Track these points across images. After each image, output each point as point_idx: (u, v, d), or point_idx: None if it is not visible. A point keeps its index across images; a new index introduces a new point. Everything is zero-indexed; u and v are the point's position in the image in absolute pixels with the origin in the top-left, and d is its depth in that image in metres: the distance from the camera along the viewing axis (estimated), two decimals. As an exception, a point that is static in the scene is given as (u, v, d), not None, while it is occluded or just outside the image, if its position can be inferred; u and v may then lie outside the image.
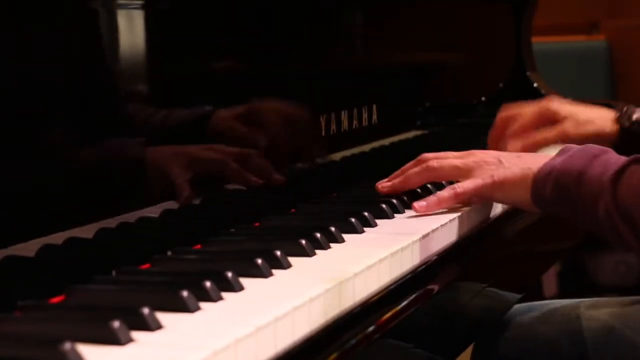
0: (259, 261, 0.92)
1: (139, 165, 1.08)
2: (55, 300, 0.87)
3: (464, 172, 1.21)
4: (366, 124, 1.52)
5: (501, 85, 2.11)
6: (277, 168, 1.27)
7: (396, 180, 1.25)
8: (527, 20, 2.15)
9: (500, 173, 1.18)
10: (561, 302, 1.37)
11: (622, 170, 1.07)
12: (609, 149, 1.13)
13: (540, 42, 2.42)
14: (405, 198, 1.24)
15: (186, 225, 1.12)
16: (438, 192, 1.20)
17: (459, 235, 1.18)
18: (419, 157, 1.26)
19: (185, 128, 1.16)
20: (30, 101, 0.95)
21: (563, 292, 3.23)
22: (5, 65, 0.92)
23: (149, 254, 1.00)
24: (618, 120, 1.47)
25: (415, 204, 1.19)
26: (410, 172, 1.24)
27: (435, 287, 1.05)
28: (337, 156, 1.46)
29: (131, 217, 1.05)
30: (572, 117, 1.46)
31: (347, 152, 1.48)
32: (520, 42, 2.13)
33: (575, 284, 3.33)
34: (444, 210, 1.20)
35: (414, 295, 1.00)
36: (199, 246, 1.07)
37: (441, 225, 1.14)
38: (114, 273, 0.95)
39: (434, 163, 1.23)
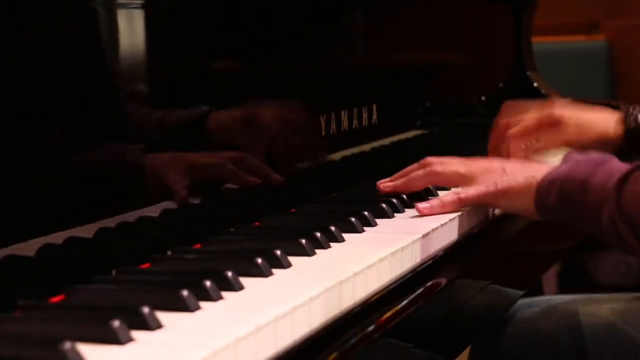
0: (259, 261, 0.92)
1: (139, 164, 1.08)
2: (55, 299, 0.87)
3: (467, 180, 1.21)
4: (366, 123, 1.52)
5: (501, 85, 2.11)
6: (277, 168, 1.27)
7: (398, 182, 1.26)
8: (527, 20, 2.15)
9: (504, 181, 1.18)
10: (561, 298, 1.37)
11: (625, 177, 1.07)
12: (612, 157, 1.13)
13: (540, 42, 2.42)
14: (405, 197, 1.24)
15: (186, 224, 1.12)
16: (441, 196, 1.21)
17: (459, 234, 1.19)
18: (423, 161, 1.26)
19: (186, 128, 1.16)
20: (31, 101, 0.95)
21: (563, 292, 3.23)
22: (5, 65, 0.92)
23: (148, 254, 1.00)
24: (623, 121, 1.47)
25: (419, 205, 1.19)
26: (414, 175, 1.25)
27: (435, 287, 1.05)
28: (337, 156, 1.46)
29: (131, 216, 1.05)
30: (574, 123, 1.46)
31: (347, 152, 1.48)
32: (520, 42, 2.13)
33: (575, 284, 3.33)
34: (445, 211, 1.20)
35: (414, 295, 1.00)
36: (199, 246, 1.07)
37: (441, 225, 1.14)
38: (114, 273, 0.96)
39: (437, 168, 1.23)
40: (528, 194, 1.15)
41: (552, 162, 1.23)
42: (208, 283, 0.84)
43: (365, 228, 1.13)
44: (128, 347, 0.73)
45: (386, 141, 1.63)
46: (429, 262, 1.09)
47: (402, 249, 1.03)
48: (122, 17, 1.06)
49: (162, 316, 0.78)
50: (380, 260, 0.98)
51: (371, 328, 0.91)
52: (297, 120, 1.35)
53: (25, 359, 0.72)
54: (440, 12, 1.87)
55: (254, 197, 1.23)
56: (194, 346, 0.73)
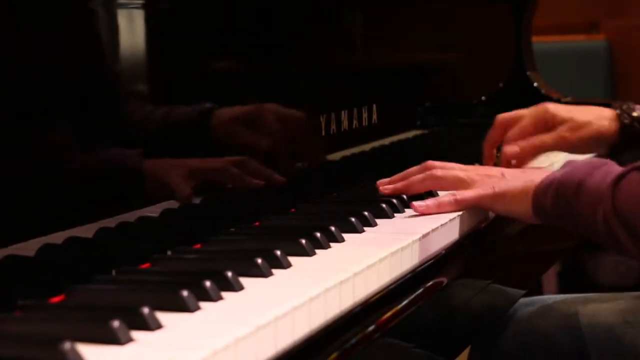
0: (259, 261, 0.92)
1: (139, 164, 1.08)
2: (55, 300, 0.87)
3: (467, 184, 1.22)
4: (366, 123, 1.52)
5: (501, 85, 2.11)
6: (278, 169, 1.27)
7: (399, 185, 1.26)
8: (527, 20, 2.15)
9: (502, 185, 1.19)
10: (560, 298, 1.37)
11: (621, 177, 1.07)
12: (611, 161, 1.13)
13: (540, 42, 2.41)
14: (405, 198, 1.24)
15: (186, 224, 1.12)
16: (438, 197, 1.21)
17: (459, 234, 1.19)
18: (425, 164, 1.26)
19: (186, 128, 1.16)
20: (31, 101, 0.95)
21: (563, 292, 3.23)
22: (5, 65, 0.92)
23: (148, 254, 1.00)
24: (618, 118, 1.47)
25: (416, 204, 1.19)
26: (414, 179, 1.25)
27: (435, 287, 1.05)
28: (337, 156, 1.46)
29: (131, 216, 1.05)
30: (569, 120, 1.46)
31: (347, 152, 1.48)
32: (520, 42, 2.13)
33: (575, 284, 3.33)
34: (443, 212, 1.20)
35: (414, 295, 1.00)
36: (198, 246, 1.07)
37: (441, 225, 1.14)
38: (114, 273, 0.96)
39: (438, 172, 1.24)
40: (526, 198, 1.16)
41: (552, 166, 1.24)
42: (208, 283, 0.84)
43: (365, 228, 1.13)
44: (128, 347, 0.73)
45: (386, 141, 1.63)
46: (429, 262, 1.10)
47: (402, 249, 1.04)
48: (122, 17, 1.06)
49: (162, 316, 0.78)
50: (380, 260, 0.98)
51: (371, 328, 0.91)
52: (297, 122, 1.35)
53: (25, 359, 0.72)
54: (440, 12, 1.87)
55: (253, 197, 1.23)
56: (193, 346, 0.73)
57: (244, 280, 0.89)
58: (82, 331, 0.74)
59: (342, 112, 1.44)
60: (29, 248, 0.92)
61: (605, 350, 1.27)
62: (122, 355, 0.72)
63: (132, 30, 1.08)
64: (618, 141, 1.46)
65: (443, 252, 1.14)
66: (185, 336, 0.76)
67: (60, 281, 0.89)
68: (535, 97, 2.02)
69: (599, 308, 1.30)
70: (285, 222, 1.20)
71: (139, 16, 1.09)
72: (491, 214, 1.28)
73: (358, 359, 0.87)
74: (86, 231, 0.99)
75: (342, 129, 1.44)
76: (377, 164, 1.51)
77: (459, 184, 1.23)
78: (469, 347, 1.40)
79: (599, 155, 1.54)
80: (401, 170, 1.30)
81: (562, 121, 1.47)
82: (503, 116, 1.50)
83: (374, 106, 1.54)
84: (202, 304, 0.82)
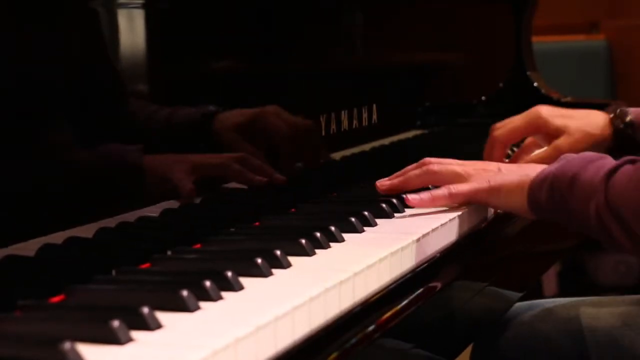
0: (259, 261, 0.92)
1: (139, 164, 1.08)
2: (55, 299, 0.87)
3: (463, 179, 1.22)
4: (366, 123, 1.52)
5: (501, 85, 2.11)
6: (278, 169, 1.27)
7: (395, 181, 1.26)
8: (527, 20, 2.15)
9: (497, 179, 1.18)
10: (561, 301, 1.37)
11: (614, 171, 1.07)
12: (606, 155, 1.13)
13: (540, 42, 2.42)
14: (405, 197, 1.24)
15: (186, 224, 1.12)
16: (433, 190, 1.21)
17: (459, 234, 1.19)
18: (422, 160, 1.26)
19: (186, 127, 1.16)
20: (31, 101, 0.95)
21: (563, 292, 3.23)
22: (5, 65, 0.92)
23: (148, 254, 1.00)
24: (611, 122, 1.47)
25: (409, 196, 1.19)
26: (411, 174, 1.25)
27: (435, 287, 1.05)
28: (337, 156, 1.46)
29: (131, 216, 1.05)
30: (564, 130, 1.46)
31: (347, 152, 1.48)
32: (520, 42, 2.13)
33: (575, 284, 3.33)
34: (443, 209, 1.20)
35: (414, 295, 1.00)
36: (198, 246, 1.07)
37: (441, 225, 1.14)
38: (113, 273, 0.96)
39: (434, 167, 1.24)
40: (521, 192, 1.16)
41: None
42: (208, 283, 0.85)
43: (365, 228, 1.13)
44: (128, 347, 0.73)
45: (386, 141, 1.63)
46: (429, 262, 1.10)
47: (402, 249, 1.03)
48: (122, 17, 1.06)
49: (162, 316, 0.78)
50: (380, 260, 0.98)
51: (371, 328, 0.91)
52: (298, 124, 1.35)
53: (25, 359, 0.72)
54: (440, 12, 1.87)
55: (253, 197, 1.23)
56: (193, 346, 0.73)
57: (244, 280, 0.89)
58: (82, 331, 0.74)
59: (342, 112, 1.44)
60: (29, 248, 0.92)
61: (605, 354, 1.27)
62: (122, 355, 0.72)
63: (132, 30, 1.08)
64: (611, 145, 1.47)
65: (443, 252, 1.14)
66: (185, 336, 0.76)
67: (60, 281, 0.89)
68: (535, 97, 2.02)
69: (600, 311, 1.30)
70: (285, 222, 1.20)
71: (139, 16, 1.09)
72: (490, 214, 1.28)
73: (358, 359, 0.87)
74: (86, 231, 0.99)
75: (342, 129, 1.44)
76: (377, 164, 1.51)
77: (456, 178, 1.22)
78: (470, 348, 1.40)
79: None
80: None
81: (556, 130, 1.47)
82: (499, 134, 1.50)
83: (374, 106, 1.54)
84: (202, 304, 0.82)
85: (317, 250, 1.02)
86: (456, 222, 1.18)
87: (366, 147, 1.55)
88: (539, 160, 1.45)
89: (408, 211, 1.21)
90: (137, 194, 1.07)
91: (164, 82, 1.14)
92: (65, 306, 0.86)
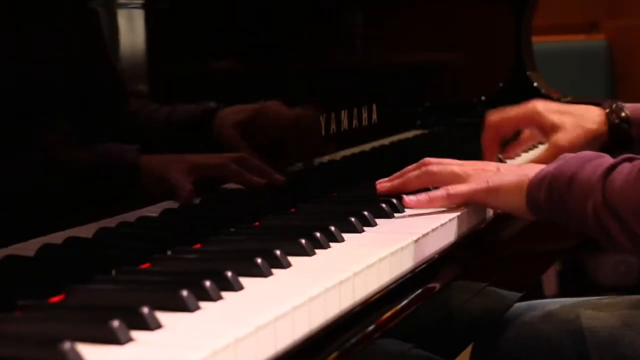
0: (259, 261, 0.92)
1: (139, 164, 1.08)
2: (55, 299, 0.87)
3: (462, 179, 1.22)
4: (366, 123, 1.52)
5: (501, 85, 2.11)
6: (278, 168, 1.27)
7: (395, 182, 1.26)
8: (527, 20, 2.15)
9: (495, 179, 1.18)
10: (562, 301, 1.37)
11: (611, 169, 1.07)
12: (604, 154, 1.13)
13: (540, 42, 2.41)
14: (402, 198, 1.24)
15: (186, 224, 1.12)
16: (430, 191, 1.21)
17: (459, 234, 1.18)
18: (422, 161, 1.26)
19: (186, 127, 1.16)
20: (31, 101, 0.95)
21: (563, 292, 3.23)
22: (5, 65, 0.92)
23: (148, 254, 1.00)
24: (607, 117, 1.47)
25: (406, 197, 1.19)
26: (410, 175, 1.25)
27: (435, 287, 1.05)
28: (337, 156, 1.46)
29: (131, 216, 1.05)
30: (560, 125, 1.46)
31: (347, 152, 1.48)
32: (520, 42, 2.13)
33: (575, 284, 3.33)
34: (443, 209, 1.20)
35: (413, 295, 1.00)
36: (198, 246, 1.07)
37: (441, 225, 1.14)
38: (113, 273, 0.96)
39: (433, 168, 1.24)
40: (520, 192, 1.15)
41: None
42: (208, 283, 0.84)
43: (365, 228, 1.13)
44: (128, 347, 0.73)
45: (386, 141, 1.63)
46: (429, 262, 1.09)
47: (402, 249, 1.03)
48: (122, 17, 1.06)
49: (161, 316, 0.78)
50: (380, 260, 0.98)
51: (371, 328, 0.91)
52: (299, 122, 1.35)
53: (25, 359, 0.72)
54: (440, 12, 1.87)
55: (253, 197, 1.23)
56: (193, 346, 0.73)
57: (243, 280, 0.89)
58: (82, 331, 0.74)
59: (342, 112, 1.44)
60: (29, 248, 0.92)
61: (605, 354, 1.27)
62: (122, 355, 0.72)
63: (132, 30, 1.08)
64: (607, 140, 1.47)
65: (443, 252, 1.14)
66: (185, 336, 0.76)
67: (60, 281, 0.89)
68: (535, 97, 2.01)
69: (600, 312, 1.30)
70: (285, 222, 1.20)
71: (139, 16, 1.09)
72: (490, 214, 1.28)
73: (358, 359, 0.87)
74: (86, 231, 0.99)
75: (342, 129, 1.44)
76: (377, 164, 1.51)
77: (455, 178, 1.22)
78: (470, 348, 1.40)
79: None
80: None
81: (551, 125, 1.47)
82: (494, 119, 1.50)
83: (374, 106, 1.54)
84: (202, 304, 0.82)
85: (317, 250, 1.02)
86: (456, 222, 1.18)
87: (366, 147, 1.55)
88: (540, 160, 1.45)
89: (408, 211, 1.21)
90: (136, 194, 1.07)
91: (164, 82, 1.14)
92: (65, 306, 0.86)
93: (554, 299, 1.42)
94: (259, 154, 1.24)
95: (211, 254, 1.03)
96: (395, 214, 1.20)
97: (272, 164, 1.26)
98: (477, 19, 2.03)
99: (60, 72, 0.99)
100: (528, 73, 2.12)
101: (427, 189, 1.26)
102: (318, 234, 1.03)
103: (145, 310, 0.77)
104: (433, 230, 1.11)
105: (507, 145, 1.59)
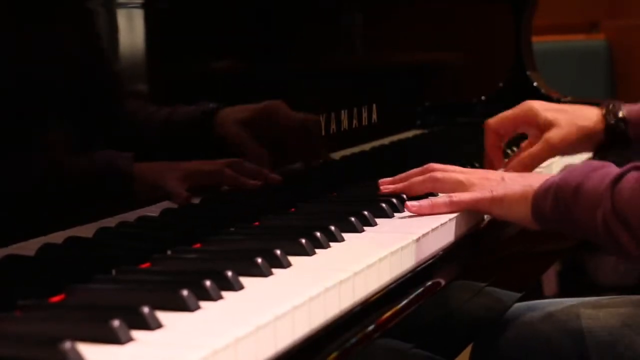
0: (259, 260, 0.92)
1: (139, 164, 1.08)
2: (56, 299, 0.87)
3: (466, 188, 1.22)
4: (366, 123, 1.52)
5: (501, 84, 2.11)
6: (278, 167, 1.27)
7: (399, 185, 1.27)
8: (527, 20, 2.15)
9: (500, 189, 1.18)
10: (561, 302, 1.37)
11: (620, 177, 1.07)
12: (609, 163, 1.13)
13: (540, 42, 2.42)
14: (405, 197, 1.24)
15: (186, 224, 1.12)
16: (433, 197, 1.21)
17: (459, 234, 1.19)
18: (426, 166, 1.27)
19: (186, 129, 1.16)
20: (31, 101, 0.95)
21: (563, 292, 3.23)
22: (5, 65, 0.92)
23: (148, 253, 1.00)
24: (604, 118, 1.47)
25: (409, 203, 1.19)
26: (415, 180, 1.26)
27: (435, 287, 1.05)
28: (337, 156, 1.46)
29: (131, 216, 1.05)
30: (554, 123, 1.46)
31: (347, 152, 1.48)
32: (520, 42, 2.13)
33: (575, 284, 3.33)
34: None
35: (414, 295, 1.00)
36: (198, 245, 1.07)
37: (441, 225, 1.14)
38: (114, 272, 0.96)
39: (438, 174, 1.24)
40: (525, 203, 1.15)
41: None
42: (208, 283, 0.85)
43: (365, 228, 1.13)
44: (128, 346, 0.73)
45: (386, 141, 1.63)
46: (429, 262, 1.10)
47: (402, 248, 1.03)
48: (122, 17, 1.06)
49: (162, 316, 0.78)
50: (380, 260, 0.98)
51: (371, 328, 0.91)
52: (297, 119, 1.35)
53: (25, 359, 0.72)
54: (440, 12, 1.87)
55: (253, 197, 1.23)
56: (193, 346, 0.73)
57: (244, 280, 0.89)
58: (82, 331, 0.74)
59: (342, 112, 1.44)
60: (29, 248, 0.92)
61: (605, 354, 1.27)
62: (122, 354, 0.72)
63: (132, 30, 1.08)
64: (604, 140, 1.47)
65: (443, 251, 1.14)
66: (186, 336, 0.76)
67: (60, 281, 0.89)
68: (535, 97, 2.00)
69: (600, 312, 1.30)
70: (285, 222, 1.20)
71: (139, 16, 1.09)
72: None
73: (358, 359, 0.87)
74: (86, 231, 0.99)
75: (342, 129, 1.44)
76: (377, 164, 1.51)
77: (458, 186, 1.22)
78: (470, 348, 1.40)
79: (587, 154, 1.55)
80: (401, 170, 1.31)
81: (545, 123, 1.47)
82: (492, 122, 1.51)
83: (374, 106, 1.54)
84: (202, 304, 0.82)
85: (317, 250, 1.02)
86: (456, 222, 1.18)
87: (366, 146, 1.55)
88: (532, 155, 1.46)
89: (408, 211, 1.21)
90: (137, 194, 1.07)
91: (164, 82, 1.14)
92: (66, 306, 0.86)
93: (554, 299, 1.41)
94: (259, 152, 1.24)
95: (211, 254, 1.03)
96: (395, 214, 1.20)
97: (272, 162, 1.26)
98: (476, 18, 2.03)
99: (60, 72, 0.99)
100: (528, 73, 2.12)
101: (429, 193, 1.27)
102: (318, 234, 1.03)
103: (146, 310, 0.77)
104: (433, 230, 1.11)
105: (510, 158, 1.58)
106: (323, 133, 1.39)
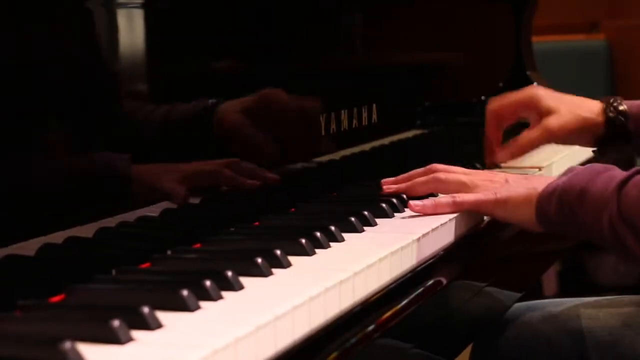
0: (259, 260, 0.92)
1: (139, 164, 1.08)
2: (56, 299, 0.87)
3: (469, 189, 1.22)
4: (366, 123, 1.52)
5: (501, 84, 2.11)
6: (277, 167, 1.27)
7: (402, 185, 1.26)
8: (527, 20, 2.15)
9: (504, 191, 1.18)
10: (561, 302, 1.37)
11: (625, 182, 1.07)
12: (614, 166, 1.13)
13: (540, 42, 2.42)
14: (405, 198, 1.24)
15: (186, 224, 1.12)
16: (436, 198, 1.21)
17: (459, 234, 1.18)
18: (429, 167, 1.26)
19: (186, 129, 1.16)
20: (31, 101, 0.95)
21: (563, 292, 3.23)
22: (5, 65, 0.92)
23: (148, 253, 1.00)
24: (604, 110, 1.47)
25: (411, 203, 1.19)
26: (418, 181, 1.25)
27: (435, 287, 1.05)
28: (337, 155, 1.46)
29: (131, 216, 1.05)
30: (555, 110, 1.46)
31: (347, 152, 1.48)
32: (520, 42, 2.13)
33: (575, 284, 3.33)
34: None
35: (414, 295, 1.00)
36: (198, 245, 1.07)
37: (441, 225, 1.14)
38: (114, 272, 0.96)
39: (441, 175, 1.24)
40: (528, 205, 1.15)
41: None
42: (208, 283, 0.84)
43: (365, 228, 1.13)
44: (128, 346, 0.73)
45: (386, 141, 1.63)
46: (429, 262, 1.09)
47: (402, 248, 1.03)
48: (122, 17, 1.06)
49: (162, 316, 0.78)
50: (380, 260, 0.98)
51: (371, 328, 0.91)
52: (298, 116, 1.35)
53: (25, 359, 0.72)
54: (440, 12, 1.87)
55: (253, 197, 1.23)
56: (193, 346, 0.73)
57: (244, 280, 0.89)
58: (82, 331, 0.74)
59: (342, 111, 1.44)
60: (29, 248, 0.92)
61: (605, 354, 1.27)
62: (122, 354, 0.72)
63: (131, 30, 1.08)
64: (604, 133, 1.47)
65: (443, 251, 1.14)
66: (186, 336, 0.76)
67: (60, 281, 0.89)
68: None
69: (600, 312, 1.30)
70: (285, 222, 1.20)
71: (139, 16, 1.09)
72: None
73: (358, 359, 0.87)
74: (86, 231, 0.99)
75: (342, 129, 1.44)
76: (377, 164, 1.51)
77: (461, 187, 1.22)
78: (470, 348, 1.40)
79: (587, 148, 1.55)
80: (401, 170, 1.31)
81: (547, 109, 1.46)
82: (494, 106, 1.51)
83: (374, 106, 1.54)
84: (202, 304, 0.82)
85: (317, 250, 1.02)
86: (456, 222, 1.18)
87: (366, 146, 1.56)
88: (529, 139, 1.46)
89: (408, 211, 1.21)
90: (136, 194, 1.07)
91: (164, 82, 1.14)
92: (66, 306, 0.86)
93: (554, 299, 1.41)
94: (260, 140, 1.24)
95: (211, 254, 1.03)
96: (396, 214, 1.20)
97: (274, 152, 1.26)
98: (476, 18, 2.03)
99: (60, 72, 0.99)
100: (528, 73, 2.12)
101: (431, 194, 1.27)
102: (318, 234, 1.03)
103: (146, 309, 0.77)
104: (433, 230, 1.11)
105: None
106: (323, 133, 1.39)
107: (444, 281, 1.07)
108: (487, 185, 1.21)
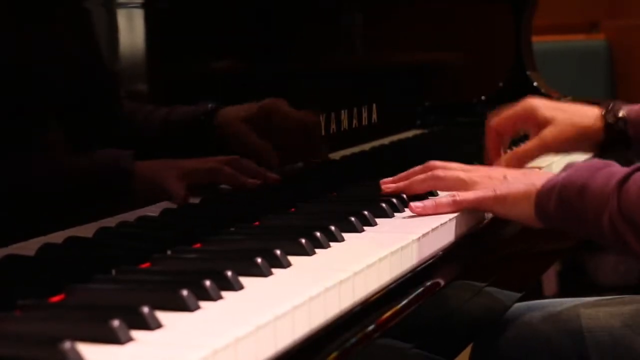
0: (259, 260, 0.92)
1: (139, 164, 1.08)
2: (55, 299, 0.87)
3: (468, 186, 1.22)
4: (366, 123, 1.52)
5: (501, 84, 2.11)
6: (278, 166, 1.27)
7: (400, 184, 1.26)
8: (527, 20, 2.15)
9: (503, 188, 1.18)
10: (561, 302, 1.37)
11: (626, 178, 1.07)
12: (613, 162, 1.13)
13: (540, 42, 2.41)
14: (405, 197, 1.24)
15: (186, 224, 1.12)
16: (437, 198, 1.21)
17: (459, 234, 1.18)
18: (427, 164, 1.26)
19: (186, 129, 1.16)
20: (31, 101, 0.95)
21: (563, 292, 3.23)
22: (5, 65, 0.92)
23: (148, 253, 1.00)
24: (603, 116, 1.47)
25: (412, 204, 1.19)
26: (416, 179, 1.25)
27: (435, 286, 1.05)
28: (337, 155, 1.46)
29: (131, 216, 1.05)
30: (552, 121, 1.46)
31: (347, 152, 1.48)
32: (520, 42, 2.13)
33: (575, 284, 3.33)
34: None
35: (413, 295, 1.00)
36: (198, 245, 1.07)
37: (441, 225, 1.14)
38: (113, 272, 0.96)
39: (439, 172, 1.24)
40: (528, 202, 1.15)
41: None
42: (208, 283, 0.84)
43: (365, 227, 1.13)
44: (128, 346, 0.73)
45: (386, 141, 1.63)
46: (429, 262, 1.09)
47: (402, 248, 1.03)
48: (122, 17, 1.06)
49: (162, 316, 0.78)
50: (380, 259, 0.98)
51: (371, 328, 0.91)
52: (297, 119, 1.35)
53: (25, 359, 0.72)
54: (440, 12, 1.87)
55: (253, 197, 1.23)
56: (193, 346, 0.73)
57: (244, 280, 0.89)
58: (82, 331, 0.74)
59: (342, 111, 1.44)
60: (29, 248, 0.92)
61: (605, 354, 1.27)
62: (122, 354, 0.72)
63: (132, 30, 1.08)
64: (603, 140, 1.46)
65: (443, 251, 1.14)
66: (185, 335, 0.76)
67: (60, 281, 0.89)
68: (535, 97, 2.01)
69: (600, 312, 1.30)
70: (285, 222, 1.20)
71: (139, 16, 1.09)
72: (490, 214, 1.28)
73: (358, 359, 0.87)
74: (86, 231, 0.99)
75: (342, 129, 1.44)
76: (377, 164, 1.51)
77: (460, 185, 1.22)
78: (470, 348, 1.40)
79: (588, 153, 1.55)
80: (401, 170, 1.30)
81: (544, 120, 1.46)
82: (493, 122, 1.50)
83: (374, 106, 1.54)
84: (202, 304, 0.82)
85: (317, 250, 1.02)
86: (457, 222, 1.18)
87: (366, 146, 1.56)
88: (525, 151, 1.45)
89: (408, 211, 1.21)
90: (136, 194, 1.07)
91: (164, 82, 1.14)
92: (65, 306, 0.86)
93: (554, 299, 1.41)
94: (261, 148, 1.24)
95: (211, 254, 1.03)
96: (396, 214, 1.20)
97: (275, 159, 1.26)
98: (476, 18, 2.03)
99: (60, 72, 0.99)
100: (528, 73, 2.12)
101: (430, 192, 1.27)
102: (318, 234, 1.03)
103: (146, 309, 0.77)
104: (433, 229, 1.11)
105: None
106: (323, 133, 1.39)
107: (444, 281, 1.07)
108: (486, 181, 1.21)
